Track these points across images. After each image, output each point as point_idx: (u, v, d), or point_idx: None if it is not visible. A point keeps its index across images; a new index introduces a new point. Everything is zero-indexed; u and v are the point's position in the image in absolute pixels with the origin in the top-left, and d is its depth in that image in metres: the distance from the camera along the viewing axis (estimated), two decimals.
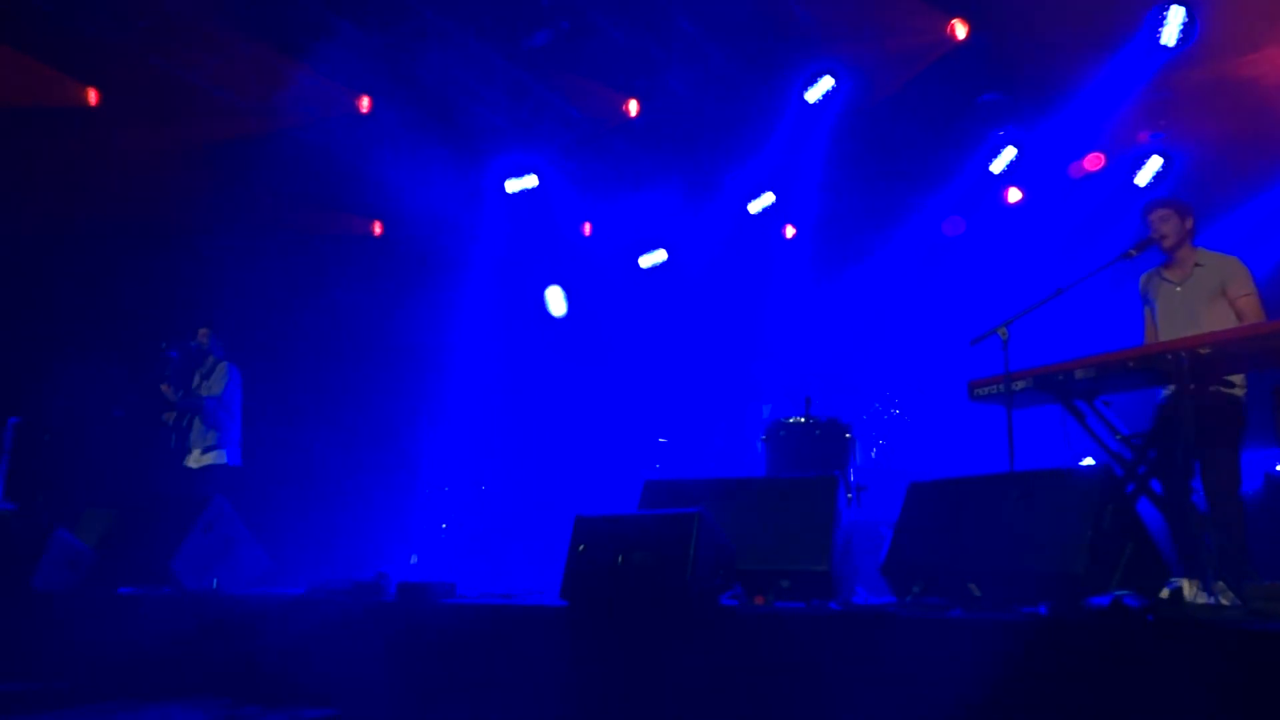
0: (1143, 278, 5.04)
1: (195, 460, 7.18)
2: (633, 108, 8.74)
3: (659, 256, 10.63)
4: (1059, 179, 8.56)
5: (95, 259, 8.11)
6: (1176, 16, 6.67)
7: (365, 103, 8.70)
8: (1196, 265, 4.75)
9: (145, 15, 7.57)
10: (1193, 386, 3.97)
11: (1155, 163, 7.94)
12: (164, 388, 7.25)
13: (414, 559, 9.01)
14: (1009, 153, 8.50)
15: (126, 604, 4.79)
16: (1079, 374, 4.21)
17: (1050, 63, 7.68)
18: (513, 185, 9.57)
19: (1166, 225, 4.75)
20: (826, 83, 7.97)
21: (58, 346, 7.78)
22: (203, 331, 7.43)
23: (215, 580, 5.14)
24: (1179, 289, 4.79)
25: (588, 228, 10.75)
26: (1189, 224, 4.78)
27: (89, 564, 5.34)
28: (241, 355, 7.74)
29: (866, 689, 2.74)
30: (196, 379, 7.38)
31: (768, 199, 9.67)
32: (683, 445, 8.87)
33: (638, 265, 10.67)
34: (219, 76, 8.32)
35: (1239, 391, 4.51)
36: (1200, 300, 4.67)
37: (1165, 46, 6.78)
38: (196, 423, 7.22)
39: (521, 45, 7.91)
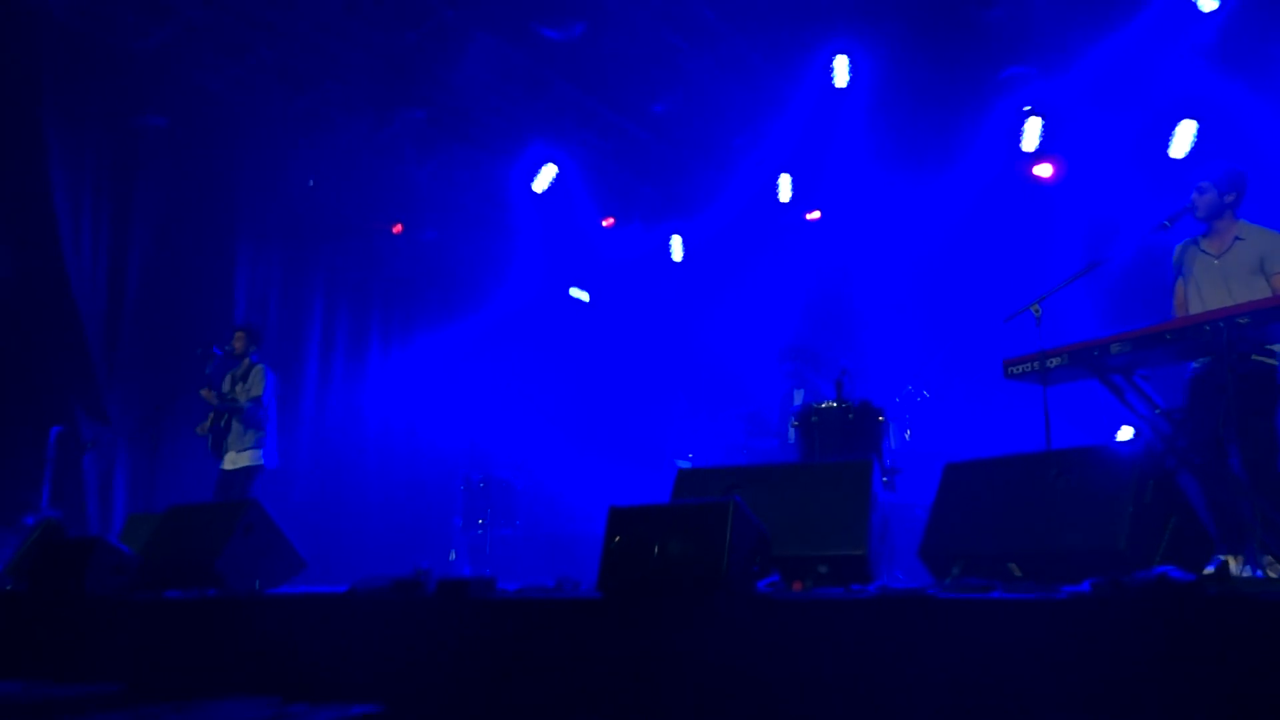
0: (1179, 247, 4.94)
1: (231, 462, 7.25)
2: (653, 98, 8.73)
3: (678, 246, 10.62)
4: (1089, 152, 8.43)
5: (131, 267, 8.21)
6: None
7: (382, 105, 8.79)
8: (1236, 238, 4.66)
9: (165, 23, 7.67)
10: (1232, 357, 3.90)
11: (1188, 131, 7.77)
12: (204, 392, 7.32)
13: (452, 555, 9.09)
14: (1036, 126, 8.38)
15: (173, 607, 4.86)
16: (1115, 349, 4.15)
17: (1076, 29, 7.55)
18: (536, 181, 9.59)
19: (1203, 198, 4.67)
20: (845, 62, 7.93)
21: (99, 354, 7.89)
22: (238, 335, 7.50)
23: (257, 581, 5.22)
24: (1217, 261, 4.69)
25: (609, 221, 10.75)
26: (1230, 197, 4.67)
27: (134, 569, 5.42)
28: (273, 356, 7.81)
29: (908, 672, 2.72)
30: (228, 383, 7.44)
31: (787, 183, 9.65)
32: (715, 432, 8.85)
33: (662, 256, 10.65)
34: (240, 82, 8.42)
35: (1275, 362, 4.43)
36: (1238, 274, 4.58)
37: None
38: (235, 425, 7.29)
39: (541, 38, 7.91)
